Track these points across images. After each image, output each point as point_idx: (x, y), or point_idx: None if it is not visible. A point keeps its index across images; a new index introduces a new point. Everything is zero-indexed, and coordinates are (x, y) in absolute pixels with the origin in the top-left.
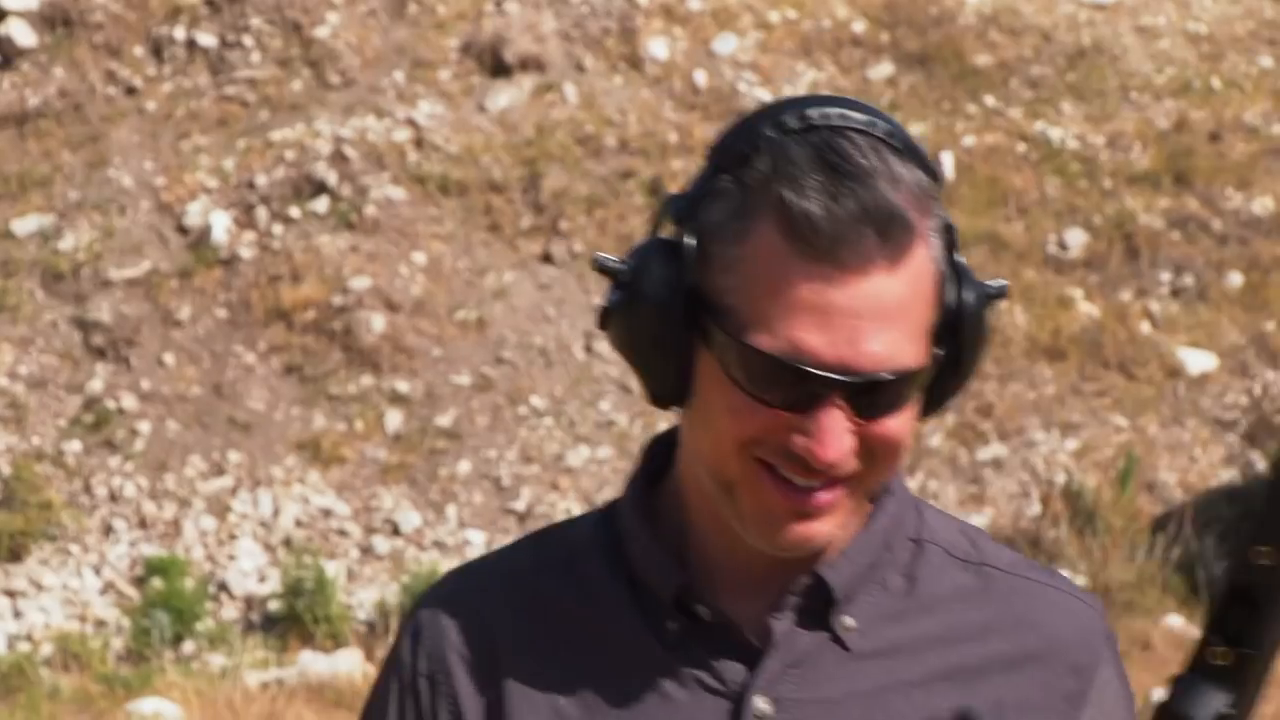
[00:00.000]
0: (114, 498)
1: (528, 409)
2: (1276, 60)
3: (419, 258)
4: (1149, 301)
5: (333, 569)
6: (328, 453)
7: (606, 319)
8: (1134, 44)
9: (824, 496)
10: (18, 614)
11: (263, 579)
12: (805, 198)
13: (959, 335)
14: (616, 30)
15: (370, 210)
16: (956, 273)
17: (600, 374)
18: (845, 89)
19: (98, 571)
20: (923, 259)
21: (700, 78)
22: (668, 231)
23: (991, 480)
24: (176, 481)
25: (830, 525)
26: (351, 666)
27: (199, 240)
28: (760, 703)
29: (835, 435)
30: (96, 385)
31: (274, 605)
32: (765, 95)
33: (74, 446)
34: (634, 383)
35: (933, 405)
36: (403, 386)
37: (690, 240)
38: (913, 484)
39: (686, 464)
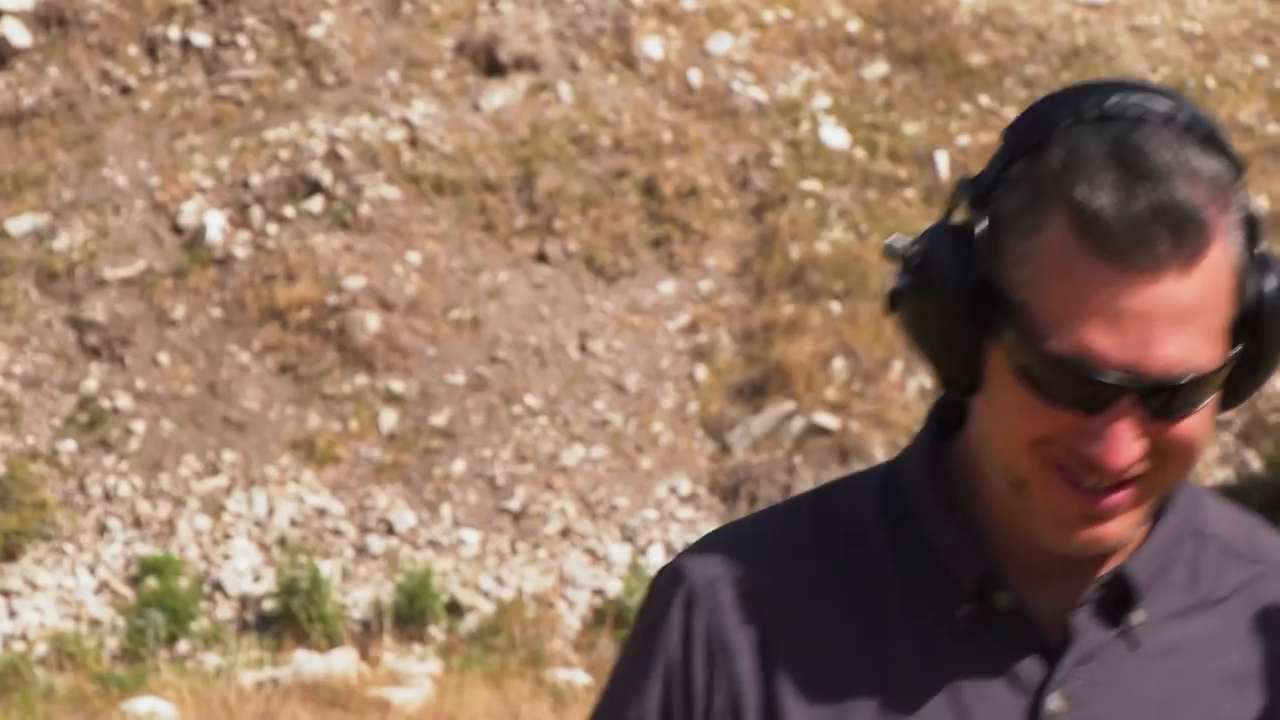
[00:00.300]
0: (109, 497)
1: (522, 408)
2: (1271, 59)
3: (413, 257)
4: None
5: (327, 568)
6: (322, 452)
7: (895, 302)
8: (1129, 43)
9: (1115, 499)
10: (12, 613)
11: (257, 578)
12: (1098, 195)
13: (1259, 330)
14: (611, 30)
15: (365, 210)
16: (1259, 264)
17: (594, 373)
18: (840, 88)
19: (92, 571)
20: (1219, 258)
21: (695, 77)
22: (961, 216)
23: None
24: (171, 481)
25: (1121, 527)
26: (346, 666)
27: (193, 240)
28: (1054, 701)
29: (1125, 442)
30: (91, 385)
31: (269, 604)
32: (760, 95)
33: (68, 446)
34: (629, 382)
35: (1231, 399)
36: (397, 386)
37: (982, 228)
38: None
39: (976, 448)
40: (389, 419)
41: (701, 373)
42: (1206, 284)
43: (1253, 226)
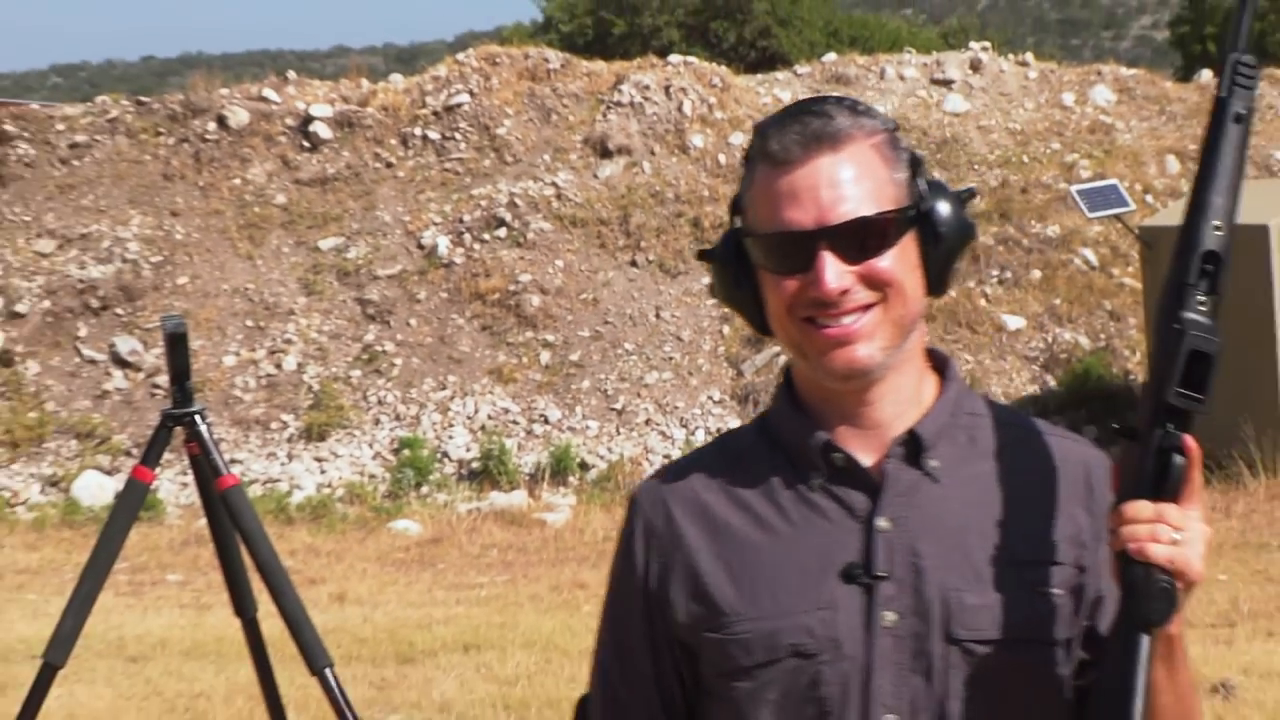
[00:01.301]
0: (380, 403)
1: (622, 350)
2: (1061, 144)
3: (559, 263)
4: (985, 287)
5: (509, 443)
6: (506, 376)
7: (712, 291)
8: (976, 135)
9: (854, 324)
10: (323, 471)
11: (468, 449)
12: (770, 135)
13: (929, 217)
14: (673, 130)
15: (530, 235)
16: (920, 178)
17: (664, 330)
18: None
19: (370, 445)
20: (863, 149)
21: (722, 158)
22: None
23: None
24: (417, 393)
25: (871, 348)
26: (520, 501)
27: (430, 252)
28: (882, 522)
29: (832, 273)
30: (369, 337)
31: (475, 464)
32: None
33: (356, 373)
34: (684, 335)
35: (933, 282)
36: (550, 337)
37: (735, 212)
38: None
39: (794, 366)
40: (545, 356)
41: (727, 329)
42: (855, 163)
43: (917, 162)
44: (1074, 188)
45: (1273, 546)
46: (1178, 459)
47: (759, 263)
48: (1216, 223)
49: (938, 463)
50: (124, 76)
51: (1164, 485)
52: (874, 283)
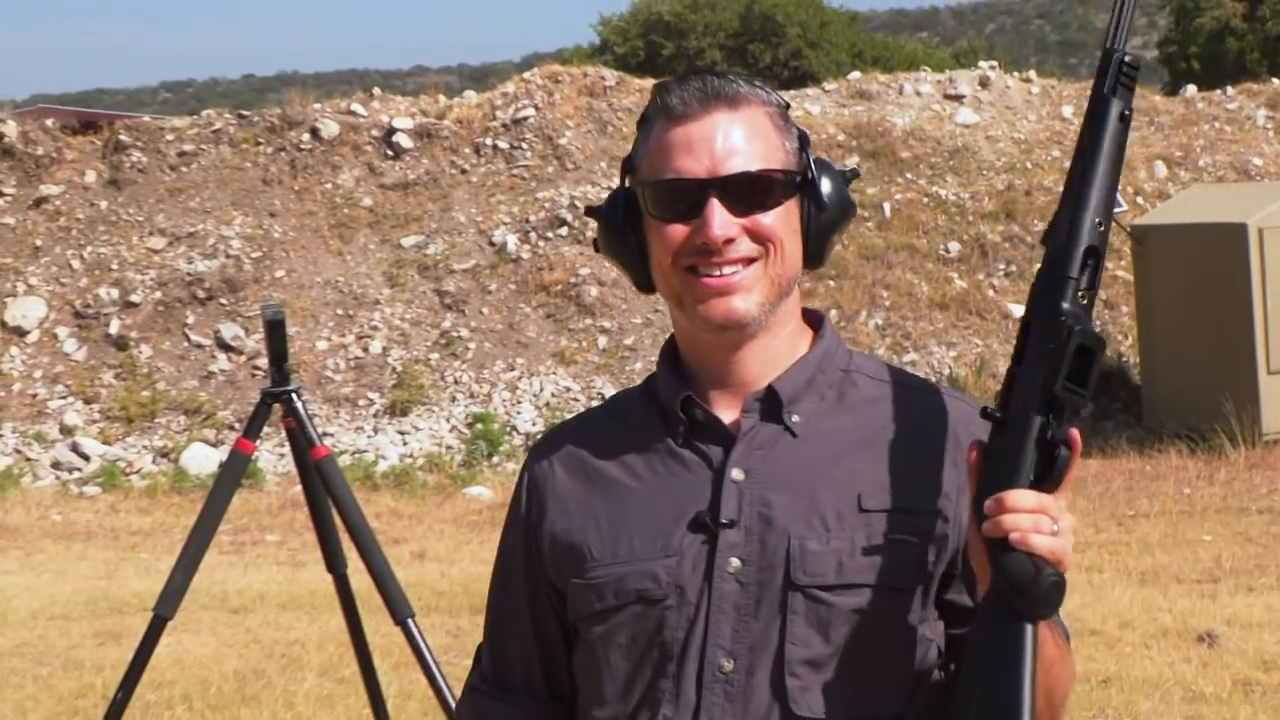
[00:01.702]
0: (456, 382)
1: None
2: (1061, 152)
3: None
4: (993, 279)
5: (569, 418)
6: (567, 358)
7: (597, 245)
8: (984, 144)
9: (734, 276)
10: (405, 443)
11: (534, 424)
12: (671, 93)
13: (811, 190)
14: None
15: (589, 233)
16: (807, 153)
17: None
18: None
19: (447, 420)
20: (758, 113)
21: None
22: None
23: (908, 370)
24: (489, 374)
25: (749, 301)
26: None
27: (500, 249)
28: (735, 473)
29: (718, 220)
30: (446, 324)
31: (540, 436)
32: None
33: (434, 356)
34: None
35: (812, 251)
36: (606, 324)
37: (627, 176)
38: None
39: (673, 320)
40: (602, 341)
41: None
42: (750, 123)
43: (803, 135)
44: None
45: (1251, 510)
46: (1064, 451)
47: (649, 210)
48: (1097, 219)
49: (799, 418)
50: (227, 92)
51: (1047, 476)
52: (757, 236)
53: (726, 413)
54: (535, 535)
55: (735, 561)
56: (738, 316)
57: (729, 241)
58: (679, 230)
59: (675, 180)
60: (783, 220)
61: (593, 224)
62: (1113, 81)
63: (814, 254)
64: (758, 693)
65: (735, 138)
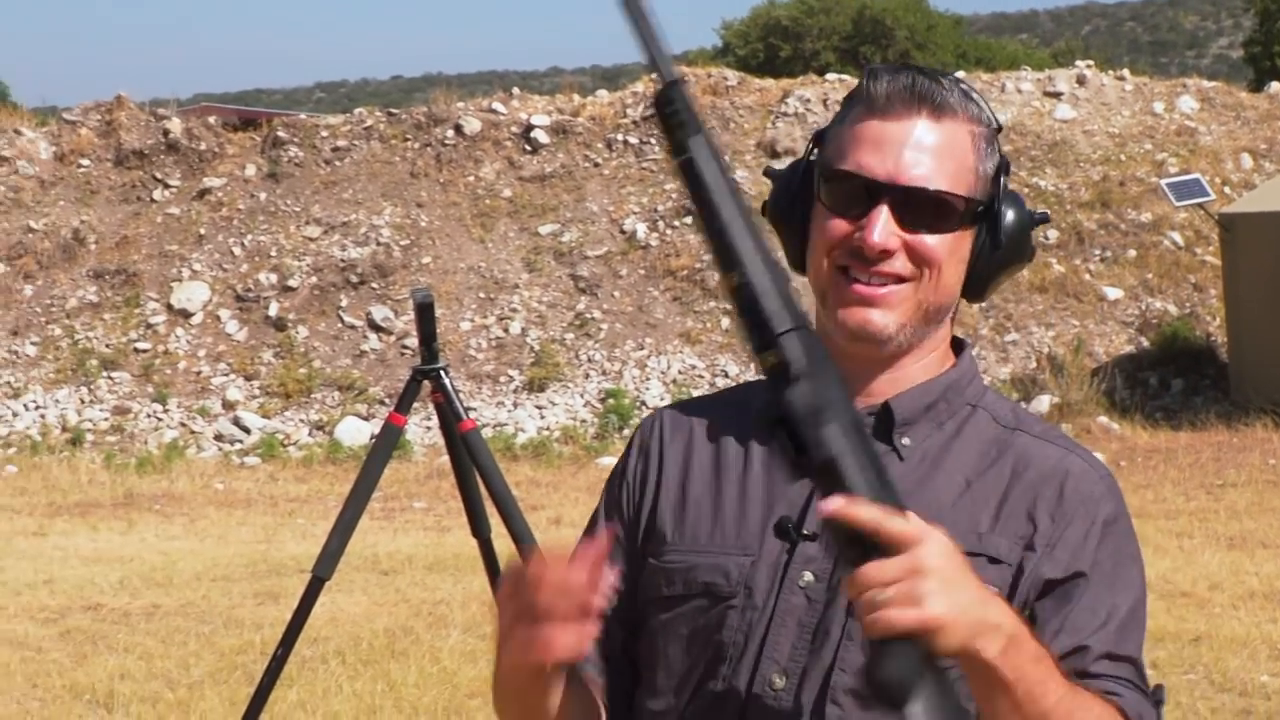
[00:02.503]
0: (589, 361)
1: None
2: (1153, 144)
3: None
4: (1089, 264)
5: (695, 394)
6: (693, 338)
7: (764, 208)
8: (1081, 138)
9: (881, 290)
10: (542, 417)
11: (662, 399)
12: (879, 79)
13: (993, 222)
14: None
15: None
16: (1002, 187)
17: None
18: None
19: (581, 395)
20: (961, 130)
21: None
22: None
23: (1011, 350)
24: (620, 352)
25: (888, 319)
26: None
27: (630, 236)
28: None
29: (881, 227)
30: (580, 306)
31: (658, 409)
32: None
33: (569, 336)
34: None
35: (974, 286)
36: (729, 306)
37: (811, 144)
38: (974, 348)
39: (815, 320)
40: (725, 322)
41: None
42: (948, 138)
43: (1004, 164)
44: (1163, 181)
45: None
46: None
47: (820, 196)
48: (755, 266)
49: (909, 441)
50: (376, 92)
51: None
52: (917, 257)
53: None
54: (632, 504)
55: (809, 576)
56: (873, 330)
57: (886, 253)
58: (841, 226)
59: (853, 174)
60: (949, 247)
61: None
62: (682, 139)
63: (976, 288)
64: (800, 715)
65: (927, 149)
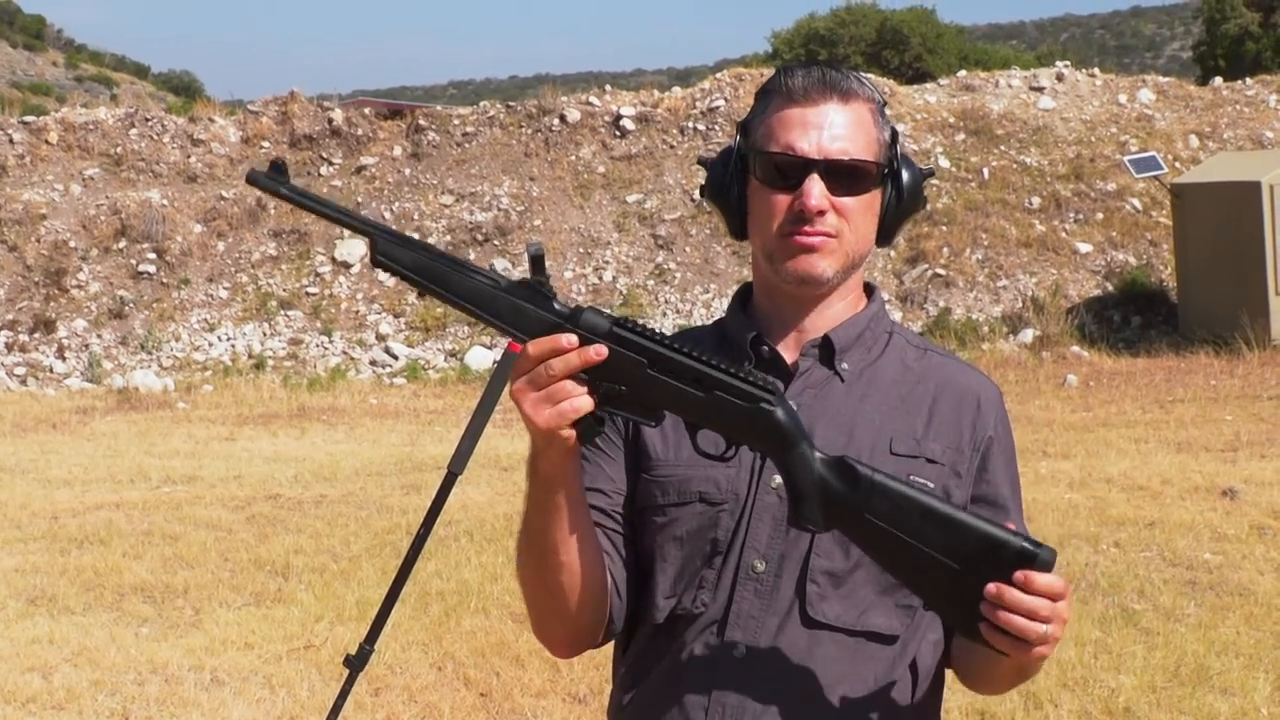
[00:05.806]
0: (666, 302)
1: None
2: (1118, 128)
3: None
4: (1065, 225)
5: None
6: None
7: (703, 191)
8: (1059, 124)
9: (818, 238)
10: None
11: None
12: (794, 75)
13: (895, 180)
14: None
15: None
16: (896, 148)
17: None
18: (944, 143)
19: (660, 329)
20: (864, 109)
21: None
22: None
23: (1002, 294)
24: (690, 296)
25: (826, 263)
26: None
27: (699, 204)
28: (790, 404)
29: (816, 193)
30: (659, 259)
31: None
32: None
33: (650, 282)
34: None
35: (884, 233)
36: None
37: (741, 137)
38: (972, 291)
39: (754, 271)
40: None
41: (893, 252)
42: (856, 116)
43: (894, 133)
44: (1126, 158)
45: (1263, 397)
46: None
47: (756, 175)
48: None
49: (848, 365)
50: (497, 89)
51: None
52: (843, 214)
53: (787, 355)
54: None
55: (778, 478)
56: (816, 274)
57: (821, 213)
58: (782, 200)
59: (786, 155)
60: (866, 203)
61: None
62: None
63: (886, 235)
64: (782, 593)
65: (841, 127)
